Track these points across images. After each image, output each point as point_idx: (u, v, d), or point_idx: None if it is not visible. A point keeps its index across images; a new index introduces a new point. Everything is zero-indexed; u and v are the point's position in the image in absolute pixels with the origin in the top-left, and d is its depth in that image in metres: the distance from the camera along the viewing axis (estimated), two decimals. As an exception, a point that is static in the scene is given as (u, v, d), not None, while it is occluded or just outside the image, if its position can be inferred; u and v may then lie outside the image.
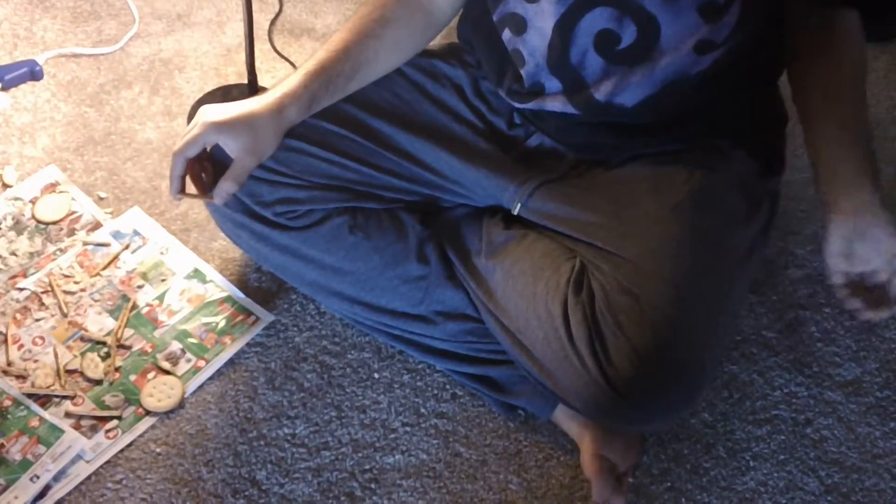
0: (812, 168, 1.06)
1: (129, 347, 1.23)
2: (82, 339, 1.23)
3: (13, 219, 1.36)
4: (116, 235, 1.36)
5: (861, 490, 1.17)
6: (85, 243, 1.34)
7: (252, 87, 1.51)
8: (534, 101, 1.12)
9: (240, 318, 1.28)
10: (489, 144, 1.18)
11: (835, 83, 1.05)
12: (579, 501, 1.14)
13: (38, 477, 1.08)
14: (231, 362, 1.23)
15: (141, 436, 1.15)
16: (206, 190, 1.12)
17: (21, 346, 1.22)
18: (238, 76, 1.63)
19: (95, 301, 1.27)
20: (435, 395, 1.22)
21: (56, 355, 1.21)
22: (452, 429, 1.19)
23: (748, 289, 1.28)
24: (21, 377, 1.18)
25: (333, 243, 1.15)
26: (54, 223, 1.36)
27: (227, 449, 1.15)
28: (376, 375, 1.24)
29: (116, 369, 1.20)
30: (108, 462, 1.12)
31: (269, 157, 1.11)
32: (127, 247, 1.34)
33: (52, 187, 1.41)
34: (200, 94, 1.59)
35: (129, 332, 1.24)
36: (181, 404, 1.18)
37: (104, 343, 1.22)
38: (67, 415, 1.15)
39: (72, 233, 1.36)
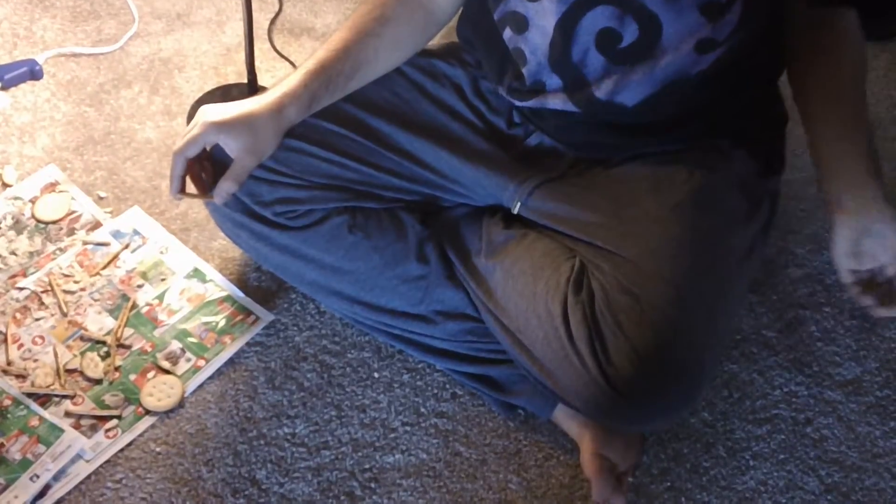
0: (815, 168, 1.06)
1: (128, 347, 1.23)
2: (82, 338, 1.23)
3: (13, 218, 1.36)
4: (116, 235, 1.35)
5: (861, 489, 1.17)
6: (85, 243, 1.34)
7: (252, 87, 1.51)
8: (534, 98, 1.12)
9: (240, 317, 1.27)
10: (489, 143, 1.18)
11: (835, 82, 1.05)
12: (579, 501, 1.14)
13: (37, 476, 1.08)
14: (231, 362, 1.23)
15: (141, 435, 1.15)
16: (206, 189, 1.12)
17: (21, 345, 1.22)
18: (238, 76, 1.63)
19: (95, 300, 1.27)
20: (435, 394, 1.22)
21: (56, 355, 1.20)
22: (452, 428, 1.19)
23: (748, 288, 1.28)
24: (21, 376, 1.18)
25: (333, 243, 1.15)
26: (54, 223, 1.36)
27: (227, 448, 1.15)
28: (376, 375, 1.24)
29: (116, 369, 1.20)
30: (107, 461, 1.12)
31: (268, 157, 1.11)
32: (127, 246, 1.34)
33: (51, 187, 1.41)
34: (200, 94, 1.59)
35: (128, 331, 1.24)
36: (181, 404, 1.18)
37: (104, 342, 1.22)
38: (67, 414, 1.15)
39: (71, 232, 1.36)
